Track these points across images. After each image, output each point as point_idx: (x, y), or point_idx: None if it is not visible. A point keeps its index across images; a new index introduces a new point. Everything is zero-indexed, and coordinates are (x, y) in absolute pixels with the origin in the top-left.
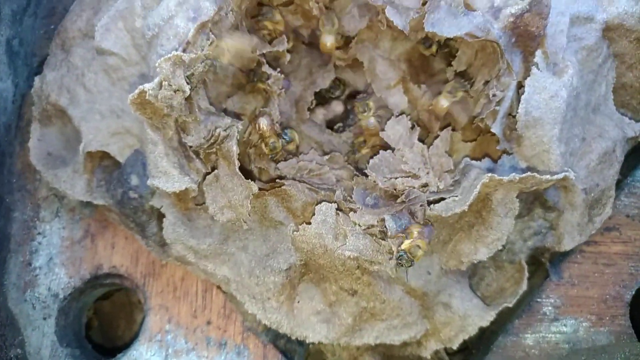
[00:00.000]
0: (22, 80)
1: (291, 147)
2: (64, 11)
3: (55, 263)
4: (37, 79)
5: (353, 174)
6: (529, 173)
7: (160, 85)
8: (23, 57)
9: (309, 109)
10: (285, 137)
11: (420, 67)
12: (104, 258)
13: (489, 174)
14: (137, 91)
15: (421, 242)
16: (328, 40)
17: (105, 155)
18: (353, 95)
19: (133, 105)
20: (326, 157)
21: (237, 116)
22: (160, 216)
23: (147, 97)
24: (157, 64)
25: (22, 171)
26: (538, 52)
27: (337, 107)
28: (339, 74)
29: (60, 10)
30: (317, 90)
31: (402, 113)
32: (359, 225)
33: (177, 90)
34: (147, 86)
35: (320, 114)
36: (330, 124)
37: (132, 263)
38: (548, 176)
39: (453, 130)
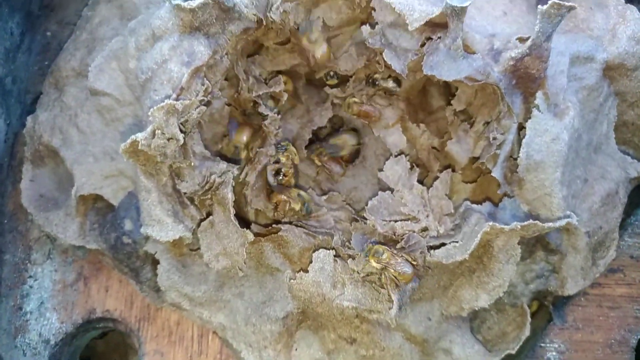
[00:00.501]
0: (14, 118)
1: (285, 159)
2: (59, 47)
3: (47, 307)
4: (29, 118)
5: (352, 215)
6: (530, 221)
7: (153, 134)
8: (16, 94)
9: (306, 147)
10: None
11: (419, 105)
12: (97, 302)
13: (490, 223)
14: (129, 141)
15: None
16: (318, 52)
17: (98, 197)
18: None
19: (125, 154)
20: (324, 197)
21: (233, 160)
22: (155, 261)
23: (139, 147)
24: (150, 113)
25: (14, 212)
26: (539, 93)
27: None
28: (337, 111)
29: (55, 46)
30: (315, 128)
31: (400, 153)
32: (358, 272)
33: (171, 138)
34: (140, 136)
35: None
36: None
37: (127, 307)
38: (550, 223)
39: (453, 171)
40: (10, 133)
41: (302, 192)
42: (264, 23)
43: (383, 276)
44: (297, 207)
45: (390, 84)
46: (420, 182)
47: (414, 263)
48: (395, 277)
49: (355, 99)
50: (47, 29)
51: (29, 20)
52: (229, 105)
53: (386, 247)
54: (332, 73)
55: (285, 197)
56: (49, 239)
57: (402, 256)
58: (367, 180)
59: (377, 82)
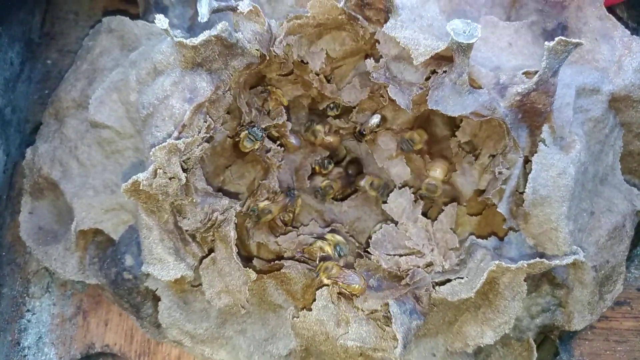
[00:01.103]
0: (14, 148)
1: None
2: (59, 75)
3: (45, 342)
4: (29, 150)
5: (355, 247)
6: (537, 259)
7: (155, 174)
8: (15, 124)
9: (309, 178)
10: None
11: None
12: (97, 336)
13: (497, 262)
14: (130, 181)
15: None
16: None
17: (98, 230)
18: (353, 162)
19: (127, 193)
20: (327, 229)
21: (235, 195)
22: (156, 297)
23: (141, 187)
24: (151, 153)
25: (12, 244)
26: (545, 127)
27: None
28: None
29: (55, 74)
30: (318, 158)
31: (404, 185)
32: (362, 310)
33: (173, 177)
34: (141, 176)
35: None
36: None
37: (127, 341)
38: (557, 261)
39: (457, 203)
40: (9, 163)
41: (335, 235)
42: (267, 58)
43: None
44: (329, 250)
45: (374, 120)
46: (425, 214)
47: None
48: (346, 290)
49: (319, 127)
50: (48, 57)
51: (29, 48)
52: (231, 137)
53: (335, 263)
54: (332, 105)
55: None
56: (47, 271)
57: (352, 269)
58: (370, 211)
59: (363, 132)
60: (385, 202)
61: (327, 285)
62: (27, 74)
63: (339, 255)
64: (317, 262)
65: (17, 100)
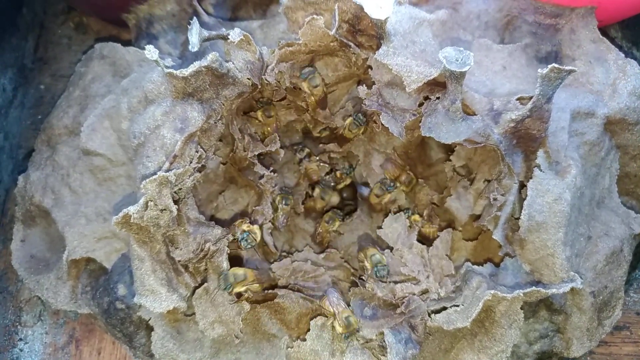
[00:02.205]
0: (6, 174)
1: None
2: (52, 100)
3: None
4: (20, 177)
5: (350, 273)
6: (533, 288)
7: (146, 206)
8: (8, 150)
9: (303, 202)
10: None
11: (417, 158)
12: None
13: (492, 291)
14: (121, 214)
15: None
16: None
17: (91, 259)
18: (348, 186)
19: (118, 225)
20: (322, 255)
21: (228, 222)
22: (149, 327)
23: (132, 220)
24: (142, 186)
25: (4, 271)
26: (540, 152)
27: (333, 199)
28: (335, 165)
29: (49, 99)
30: (312, 183)
31: (399, 210)
32: (357, 339)
33: (164, 209)
34: (132, 209)
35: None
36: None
37: None
38: (554, 289)
39: (453, 228)
40: (1, 190)
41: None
42: (259, 86)
43: None
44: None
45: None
46: (420, 240)
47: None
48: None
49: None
50: (41, 82)
51: (22, 74)
52: (224, 164)
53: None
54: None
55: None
56: (40, 300)
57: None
58: (365, 236)
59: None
60: (379, 227)
61: None
62: (20, 100)
63: (377, 275)
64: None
65: (10, 126)
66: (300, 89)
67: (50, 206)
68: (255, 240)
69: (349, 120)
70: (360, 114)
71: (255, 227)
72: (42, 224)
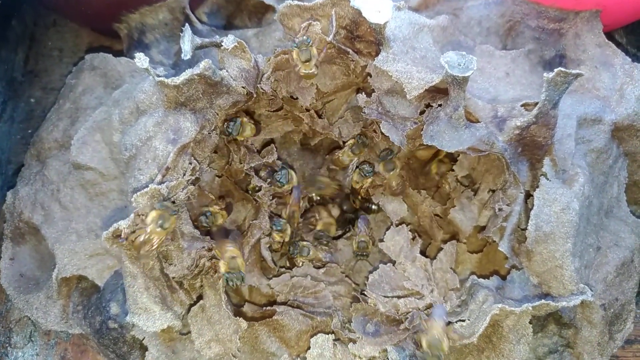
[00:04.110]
0: None
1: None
2: (43, 114)
3: None
4: (9, 193)
5: (352, 288)
6: (542, 301)
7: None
8: None
9: (302, 215)
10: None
11: (419, 169)
12: None
13: (500, 305)
14: (111, 229)
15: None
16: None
17: (82, 276)
18: (348, 199)
19: (108, 241)
20: (322, 270)
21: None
22: (143, 346)
23: (123, 235)
24: (133, 199)
25: None
26: (546, 160)
27: (333, 211)
28: (334, 176)
29: (39, 113)
30: (311, 194)
31: (401, 222)
32: (360, 357)
33: None
34: (123, 223)
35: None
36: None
37: None
38: (564, 302)
39: (457, 241)
40: None
41: None
42: (254, 95)
43: None
44: None
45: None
46: (423, 252)
47: None
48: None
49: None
50: (31, 95)
51: (11, 87)
52: (219, 176)
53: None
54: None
55: None
56: (30, 320)
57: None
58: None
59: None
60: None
61: None
62: (9, 114)
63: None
64: None
65: None
66: (296, 98)
67: (40, 222)
68: (214, 223)
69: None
70: (366, 166)
71: (223, 213)
72: (32, 241)
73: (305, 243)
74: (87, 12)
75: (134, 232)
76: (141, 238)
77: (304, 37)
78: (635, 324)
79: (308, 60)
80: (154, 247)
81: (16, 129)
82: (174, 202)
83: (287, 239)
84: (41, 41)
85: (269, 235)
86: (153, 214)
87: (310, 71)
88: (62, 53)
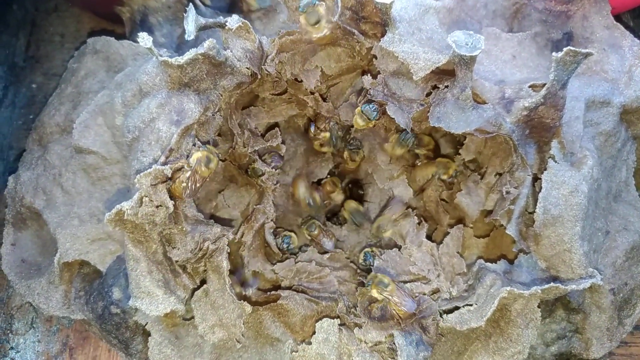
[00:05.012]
0: None
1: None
2: (44, 99)
3: None
4: (10, 178)
5: (356, 272)
6: (552, 284)
7: (141, 202)
8: None
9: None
10: (285, 243)
11: None
12: None
13: (508, 288)
14: (114, 210)
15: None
16: (317, 34)
17: (85, 262)
18: (354, 183)
19: (111, 223)
20: (326, 255)
21: (228, 221)
22: (146, 332)
23: (126, 217)
24: (136, 180)
25: None
26: (554, 142)
27: (337, 197)
28: (338, 162)
29: (40, 99)
30: (315, 180)
31: (407, 206)
32: (365, 342)
33: (160, 206)
34: (126, 205)
35: None
36: (329, 214)
37: None
38: (574, 285)
39: (464, 225)
40: None
41: None
42: (259, 76)
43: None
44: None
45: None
46: (429, 237)
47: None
48: (396, 312)
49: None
50: (33, 81)
51: (12, 73)
52: (223, 160)
53: (391, 279)
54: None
55: None
56: (32, 306)
57: (405, 290)
58: (371, 235)
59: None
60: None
61: (377, 300)
62: (10, 99)
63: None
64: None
65: (1, 126)
66: (301, 81)
67: (42, 207)
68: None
69: (357, 109)
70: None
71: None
72: (34, 226)
73: (288, 232)
74: None
75: (176, 172)
76: (187, 174)
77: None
78: None
79: (317, 22)
80: (198, 185)
81: (18, 114)
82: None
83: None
84: (42, 26)
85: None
86: (198, 154)
87: (322, 33)
88: (63, 38)
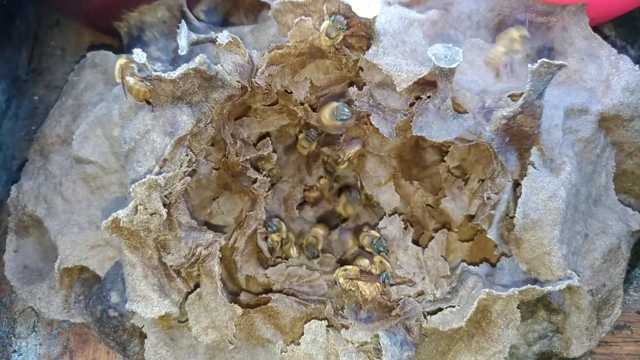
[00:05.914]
0: (0, 185)
1: (276, 237)
2: (46, 111)
3: None
4: (13, 187)
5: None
6: (529, 286)
7: (136, 210)
8: (2, 162)
9: (297, 207)
10: (270, 226)
11: (412, 160)
12: None
13: (487, 290)
14: (110, 218)
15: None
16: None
17: (84, 267)
18: (344, 189)
19: (107, 230)
20: (316, 260)
21: (222, 228)
22: (143, 334)
23: (121, 224)
24: (131, 189)
25: None
26: (534, 149)
27: (327, 204)
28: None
29: (42, 110)
30: (306, 187)
31: (394, 212)
32: (352, 343)
33: (154, 213)
34: (121, 213)
35: (311, 211)
36: (320, 220)
37: None
38: (550, 287)
39: (448, 229)
40: None
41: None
42: (249, 89)
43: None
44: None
45: (356, 147)
46: (416, 241)
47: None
48: (361, 292)
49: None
50: (35, 93)
51: (15, 85)
52: (216, 169)
53: (355, 267)
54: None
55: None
56: (34, 310)
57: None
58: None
59: (338, 160)
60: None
61: (343, 286)
62: (14, 111)
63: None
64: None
65: (4, 137)
66: (291, 92)
67: (43, 215)
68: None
69: (301, 135)
70: (312, 130)
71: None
72: (35, 233)
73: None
74: (88, 11)
75: None
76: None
77: (342, 19)
78: (624, 311)
79: (331, 38)
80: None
81: (20, 125)
82: (171, 193)
83: (284, 237)
84: (44, 40)
85: (266, 238)
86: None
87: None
88: (64, 52)
